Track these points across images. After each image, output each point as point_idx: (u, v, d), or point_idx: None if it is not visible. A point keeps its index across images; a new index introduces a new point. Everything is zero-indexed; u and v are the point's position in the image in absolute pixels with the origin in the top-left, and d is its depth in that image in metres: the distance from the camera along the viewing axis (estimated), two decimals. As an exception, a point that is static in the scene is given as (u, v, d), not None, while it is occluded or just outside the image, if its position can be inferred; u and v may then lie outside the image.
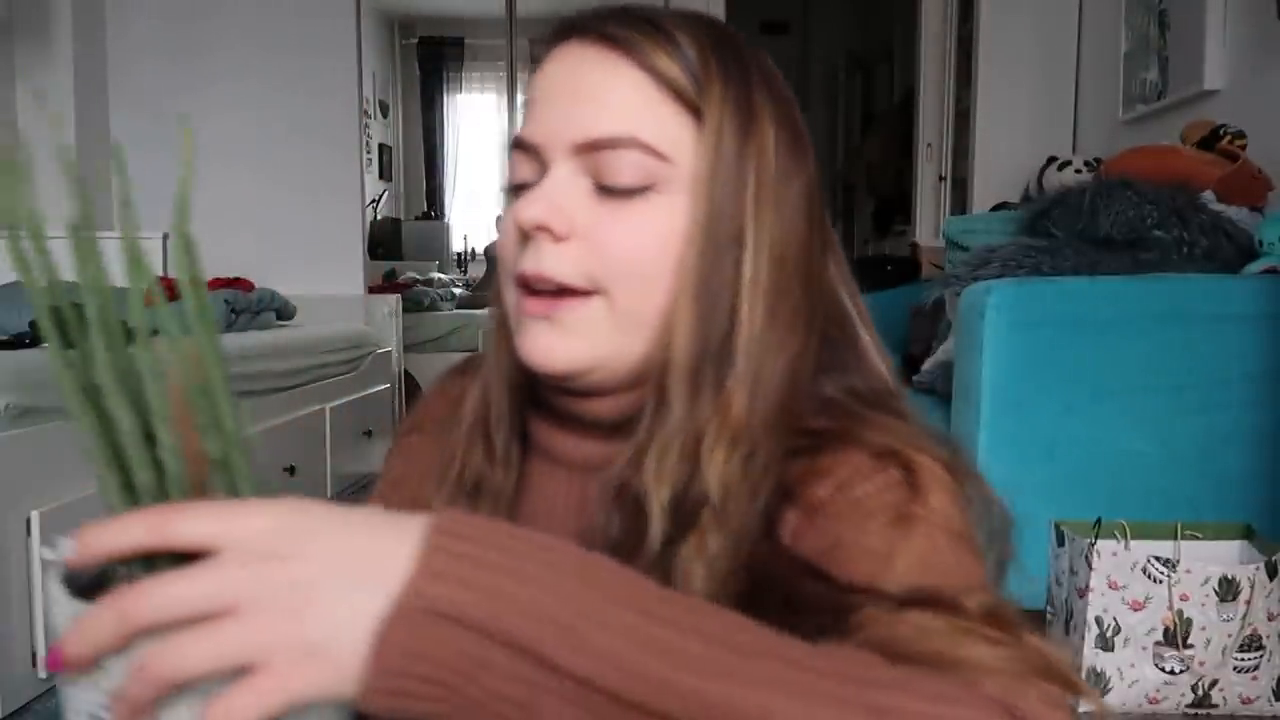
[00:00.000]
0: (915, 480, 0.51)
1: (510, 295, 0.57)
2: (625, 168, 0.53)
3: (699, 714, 0.34)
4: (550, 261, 0.53)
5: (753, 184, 0.54)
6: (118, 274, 0.41)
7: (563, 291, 0.54)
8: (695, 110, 0.54)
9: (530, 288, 0.55)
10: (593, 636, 0.35)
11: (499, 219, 0.61)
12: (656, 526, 0.52)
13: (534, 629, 0.34)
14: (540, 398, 0.61)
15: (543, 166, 0.55)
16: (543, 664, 0.34)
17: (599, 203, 0.54)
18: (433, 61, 6.98)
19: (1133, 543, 1.65)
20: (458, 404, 0.65)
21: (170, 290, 0.40)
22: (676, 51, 0.54)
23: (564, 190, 0.54)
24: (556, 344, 0.54)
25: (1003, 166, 3.58)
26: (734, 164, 0.54)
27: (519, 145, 0.57)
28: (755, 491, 0.52)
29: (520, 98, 5.25)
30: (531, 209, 0.53)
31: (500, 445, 0.61)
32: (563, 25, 0.58)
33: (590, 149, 0.54)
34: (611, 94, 0.54)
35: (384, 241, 6.27)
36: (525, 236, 0.54)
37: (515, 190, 0.57)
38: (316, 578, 0.35)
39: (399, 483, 0.68)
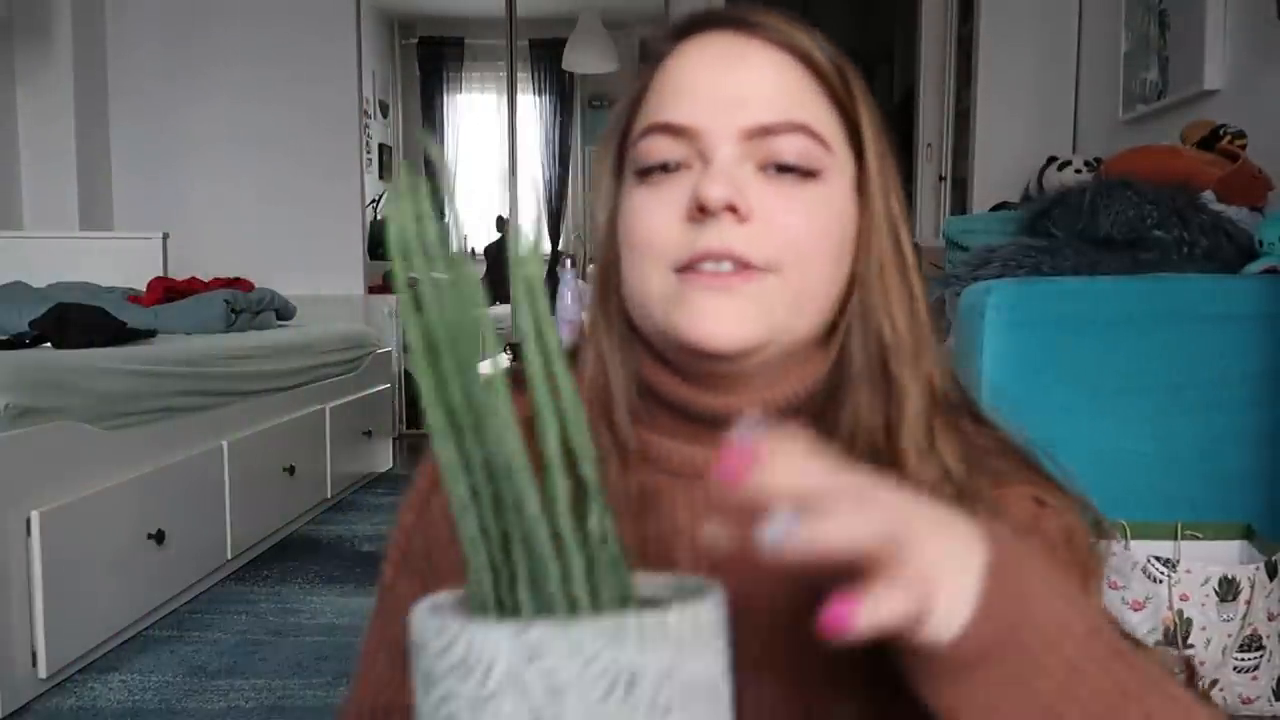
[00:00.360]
0: (1074, 527, 0.58)
1: (665, 280, 0.55)
2: (793, 153, 0.54)
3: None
4: (736, 239, 0.53)
5: (893, 183, 0.59)
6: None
7: (739, 271, 0.54)
8: (839, 105, 0.57)
9: (695, 269, 0.54)
10: (1083, 635, 0.43)
11: (621, 203, 0.59)
12: None
13: (1062, 622, 0.43)
14: (660, 402, 0.59)
15: (698, 150, 0.55)
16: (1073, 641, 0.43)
17: (766, 186, 0.55)
18: (433, 61, 6.98)
19: (1133, 543, 1.65)
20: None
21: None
22: (824, 48, 0.57)
23: (738, 173, 0.54)
24: (734, 312, 0.53)
25: (1003, 166, 3.58)
26: (881, 163, 0.58)
27: (666, 129, 0.56)
28: (971, 476, 0.56)
29: (521, 97, 5.24)
30: (717, 188, 0.52)
31: (632, 448, 0.58)
32: (699, 17, 0.58)
33: (760, 134, 0.54)
34: (777, 81, 0.55)
35: (384, 242, 6.27)
36: (700, 214, 0.54)
37: (643, 174, 0.57)
38: (942, 528, 0.41)
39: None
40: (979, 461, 0.57)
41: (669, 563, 0.58)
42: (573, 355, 0.63)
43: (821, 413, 0.57)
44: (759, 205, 0.54)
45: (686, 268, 0.54)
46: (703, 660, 0.34)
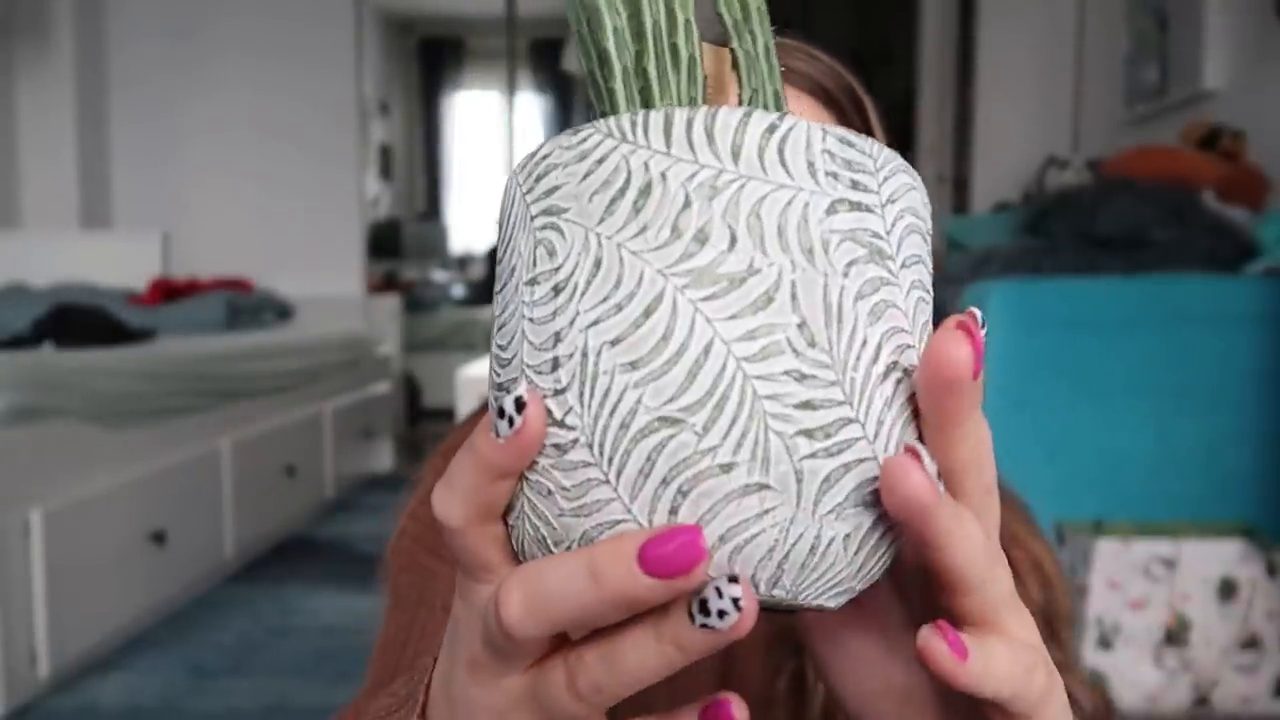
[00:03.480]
0: (1041, 557, 0.56)
1: None
2: None
3: None
4: None
5: None
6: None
7: None
8: None
9: None
10: None
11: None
12: None
13: None
14: None
15: None
16: None
17: None
18: (433, 61, 6.98)
19: (1133, 543, 1.65)
20: None
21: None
22: (841, 82, 0.57)
23: None
24: None
25: (1003, 166, 3.58)
26: None
27: None
28: None
29: (520, 97, 5.24)
30: None
31: None
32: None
33: None
34: None
35: (384, 241, 6.28)
36: None
37: None
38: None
39: None
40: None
41: None
42: None
43: None
44: None
45: None
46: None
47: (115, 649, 2.04)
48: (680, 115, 0.23)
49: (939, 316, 0.25)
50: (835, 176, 0.23)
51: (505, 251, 0.25)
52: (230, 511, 2.51)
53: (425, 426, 4.82)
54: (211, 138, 3.90)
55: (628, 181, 0.23)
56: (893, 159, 0.25)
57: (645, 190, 0.22)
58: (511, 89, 4.76)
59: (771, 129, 0.23)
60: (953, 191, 4.12)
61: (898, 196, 0.24)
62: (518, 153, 4.70)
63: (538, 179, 0.24)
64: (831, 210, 0.23)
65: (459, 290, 6.20)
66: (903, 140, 4.43)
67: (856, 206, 0.23)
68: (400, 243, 6.55)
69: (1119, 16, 3.09)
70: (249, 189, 3.91)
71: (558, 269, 0.23)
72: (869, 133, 0.58)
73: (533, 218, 0.24)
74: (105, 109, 3.84)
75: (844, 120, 0.57)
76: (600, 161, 0.23)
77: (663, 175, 0.22)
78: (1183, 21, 2.68)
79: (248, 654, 2.04)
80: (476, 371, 2.94)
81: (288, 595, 2.41)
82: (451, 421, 3.88)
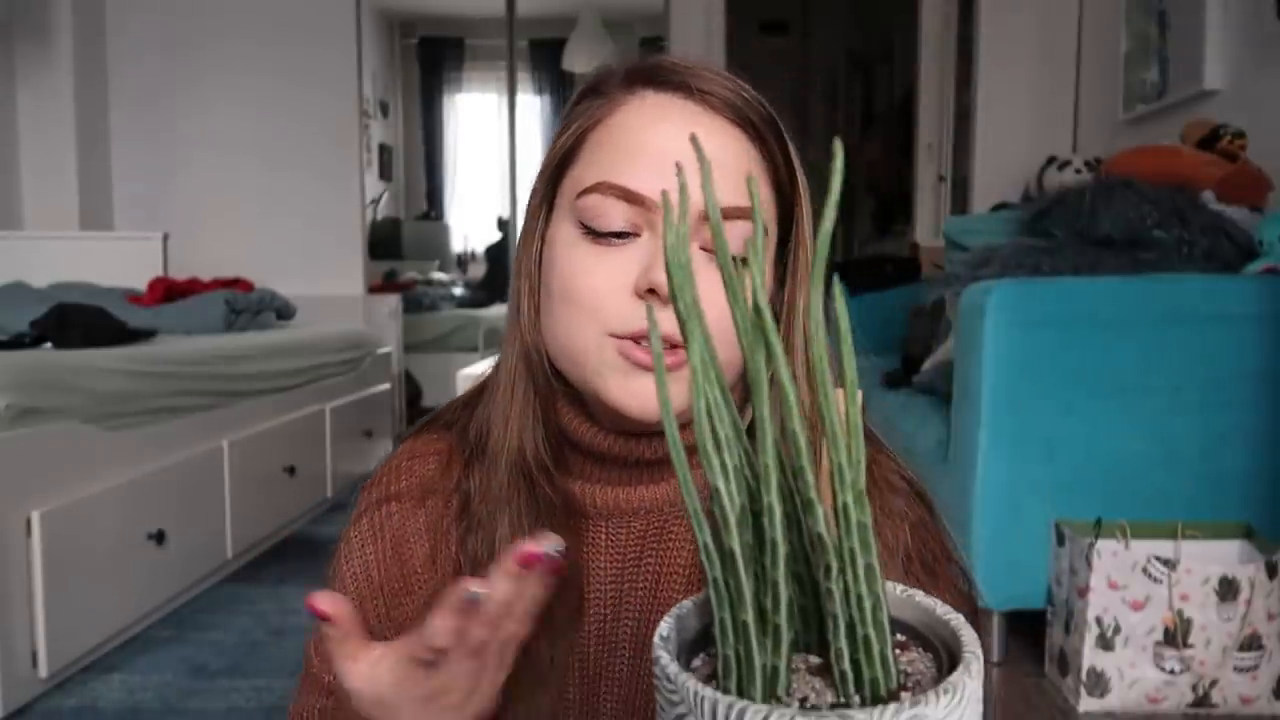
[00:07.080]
0: (936, 526, 0.61)
1: (599, 341, 0.57)
2: (739, 240, 0.56)
3: None
4: (678, 325, 0.56)
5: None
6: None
7: (675, 351, 0.56)
8: (778, 186, 0.59)
9: (634, 341, 0.56)
10: None
11: (558, 248, 0.60)
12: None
13: None
14: (574, 447, 0.62)
15: (649, 220, 0.56)
16: None
17: (708, 269, 0.56)
18: (433, 61, 6.98)
19: (1133, 543, 1.65)
20: (435, 463, 0.65)
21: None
22: (760, 111, 0.58)
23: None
24: (672, 392, 0.56)
25: (1003, 166, 3.58)
26: (809, 241, 0.60)
27: (622, 194, 0.56)
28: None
29: (520, 97, 5.25)
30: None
31: (552, 496, 0.61)
32: (650, 69, 0.59)
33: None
34: (732, 163, 0.57)
35: (384, 241, 6.28)
36: (650, 294, 0.55)
37: (593, 233, 0.58)
38: None
39: (381, 561, 0.65)
40: (872, 491, 0.62)
41: (584, 599, 0.62)
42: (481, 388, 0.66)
43: None
44: (701, 289, 0.55)
45: (624, 337, 0.56)
46: None
47: (115, 649, 2.04)
48: None
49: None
50: None
51: None
52: (230, 511, 2.51)
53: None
54: (211, 139, 3.90)
55: None
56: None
57: None
58: (511, 89, 4.77)
59: None
60: (952, 191, 4.12)
61: None
62: (518, 152, 4.70)
63: None
64: None
65: (459, 290, 6.19)
66: (903, 140, 4.42)
67: None
68: (400, 243, 6.55)
69: (1119, 16, 3.09)
70: (249, 189, 3.91)
71: None
72: (789, 165, 0.59)
73: None
74: (106, 110, 3.84)
75: (766, 149, 0.58)
76: None
77: None
78: (1183, 22, 2.68)
79: (248, 654, 2.04)
80: (476, 371, 2.94)
81: (288, 595, 2.41)
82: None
